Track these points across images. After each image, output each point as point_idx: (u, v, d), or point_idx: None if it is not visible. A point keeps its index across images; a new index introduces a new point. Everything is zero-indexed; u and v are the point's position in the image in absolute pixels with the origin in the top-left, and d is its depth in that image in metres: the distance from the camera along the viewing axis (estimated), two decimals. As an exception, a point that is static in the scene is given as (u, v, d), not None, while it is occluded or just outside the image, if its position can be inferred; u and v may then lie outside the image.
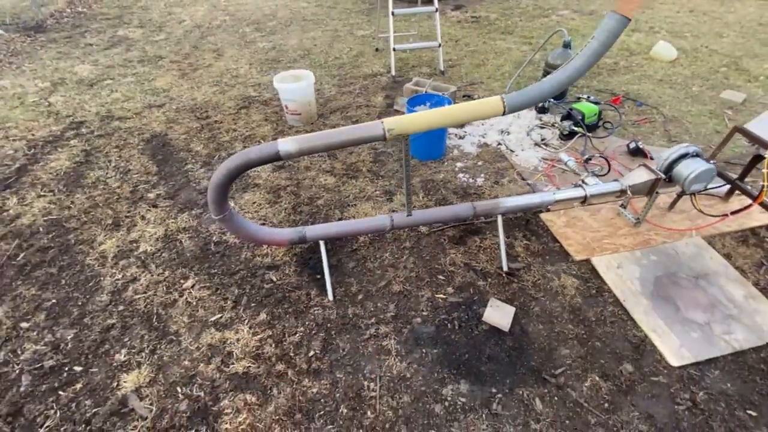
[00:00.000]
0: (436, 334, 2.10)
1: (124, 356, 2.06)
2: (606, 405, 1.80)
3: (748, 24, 6.02)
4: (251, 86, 4.85)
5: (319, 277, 2.43)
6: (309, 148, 1.82)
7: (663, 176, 2.34)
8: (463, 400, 1.83)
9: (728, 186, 2.64)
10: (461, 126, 3.84)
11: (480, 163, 3.37)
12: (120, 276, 2.49)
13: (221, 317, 2.22)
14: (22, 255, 2.66)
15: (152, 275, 2.49)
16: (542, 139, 3.57)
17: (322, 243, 2.33)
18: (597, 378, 1.89)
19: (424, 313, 2.20)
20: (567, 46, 4.01)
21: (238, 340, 2.10)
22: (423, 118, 1.84)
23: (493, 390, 1.86)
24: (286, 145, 1.80)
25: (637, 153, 3.30)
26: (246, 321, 2.20)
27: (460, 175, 3.23)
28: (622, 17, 1.76)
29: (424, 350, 2.03)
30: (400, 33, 4.96)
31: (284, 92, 3.76)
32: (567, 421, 1.75)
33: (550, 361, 1.97)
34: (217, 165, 3.47)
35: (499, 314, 2.15)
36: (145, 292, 2.38)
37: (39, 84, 5.01)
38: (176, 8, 8.04)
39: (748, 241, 2.55)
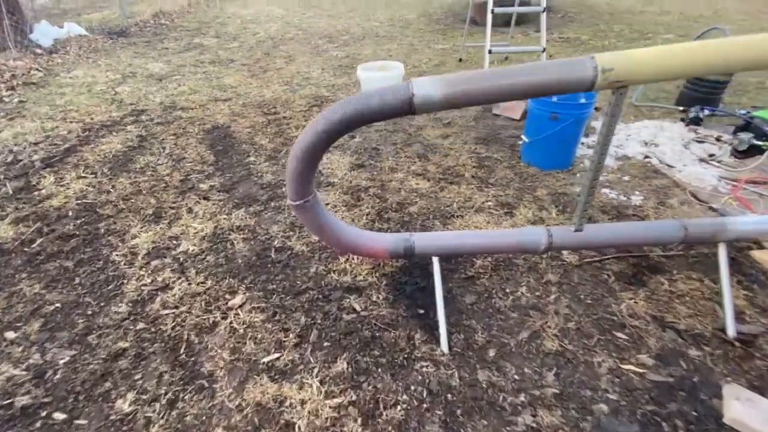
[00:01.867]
0: (643, 439, 1.19)
1: (129, 405, 1.32)
2: None
3: None
4: (324, 87, 4.36)
5: (422, 312, 1.62)
6: (464, 95, 1.08)
7: None
8: None
9: None
10: (587, 134, 3.01)
11: (626, 178, 2.49)
12: (149, 280, 1.83)
13: (279, 358, 1.46)
14: (39, 241, 2.10)
15: (190, 284, 1.80)
16: (710, 155, 2.64)
17: (436, 261, 1.53)
18: None
19: (612, 397, 1.30)
20: (728, 45, 3.12)
21: (302, 402, 1.31)
22: (675, 54, 1.04)
23: None
24: (427, 86, 1.08)
25: None
26: (316, 370, 1.41)
27: (605, 190, 2.36)
28: None
29: (630, 470, 1.12)
30: (497, 48, 4.35)
31: (369, 83, 3.17)
32: None
33: None
34: (283, 160, 2.86)
35: (753, 414, 1.20)
36: (176, 307, 1.69)
37: (110, 75, 4.85)
38: (251, 24, 8.11)
39: None
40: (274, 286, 1.78)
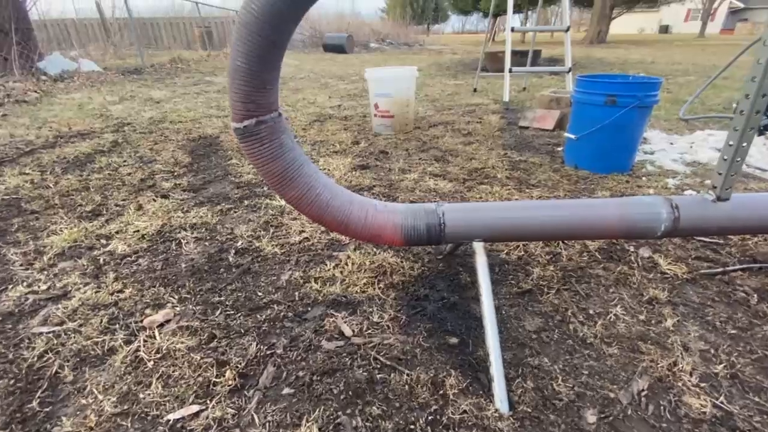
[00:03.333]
0: None
1: None
2: None
3: None
4: (329, 107, 4.02)
5: (454, 342, 0.97)
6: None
7: None
8: None
9: None
10: (643, 140, 2.48)
11: (708, 181, 1.90)
12: (44, 286, 1.22)
13: (198, 414, 0.80)
14: None
15: (98, 292, 1.19)
16: (812, 159, 2.07)
17: (480, 248, 0.91)
18: None
19: None
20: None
21: None
22: None
23: None
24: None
25: None
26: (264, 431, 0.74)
27: (689, 192, 1.77)
28: None
29: None
30: (518, 68, 4.04)
31: (377, 84, 2.76)
32: None
33: None
34: (271, 162, 2.35)
35: None
36: (61, 324, 1.06)
37: (108, 98, 4.62)
38: (265, 67, 8.18)
39: None
40: (222, 298, 1.15)
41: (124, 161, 2.42)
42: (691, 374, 0.87)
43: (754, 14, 29.91)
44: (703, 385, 0.85)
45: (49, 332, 1.04)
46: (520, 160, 2.25)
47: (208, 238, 1.51)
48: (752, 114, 0.83)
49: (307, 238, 1.47)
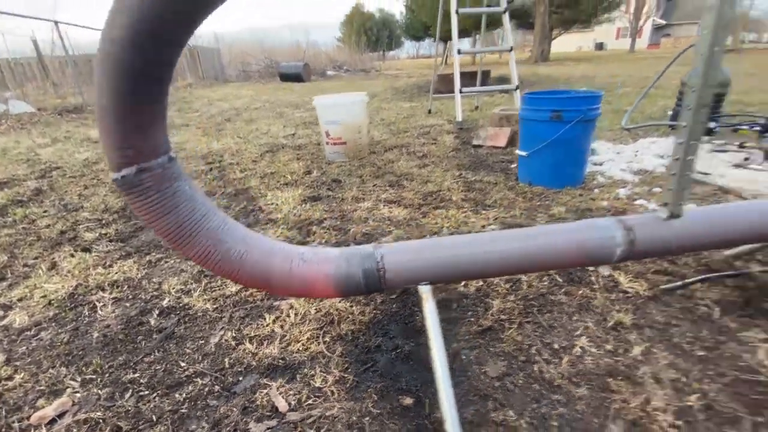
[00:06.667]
0: None
1: None
2: None
3: None
4: (282, 137, 3.89)
5: (409, 403, 0.84)
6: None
7: None
8: None
9: None
10: (592, 152, 2.52)
11: (657, 189, 1.92)
12: None
13: None
14: None
15: (-24, 384, 0.97)
16: (745, 159, 2.16)
17: (427, 293, 0.80)
18: None
19: None
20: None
21: None
22: None
23: None
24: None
25: None
26: None
27: (640, 201, 1.77)
28: None
29: None
30: (468, 89, 4.13)
31: (326, 111, 2.68)
32: None
33: None
34: (217, 200, 2.18)
35: None
36: None
37: (38, 140, 4.26)
38: (218, 101, 8.01)
39: None
40: (136, 375, 0.97)
41: (45, 211, 2.16)
42: (665, 411, 0.79)
43: (676, 30, 33.24)
44: (678, 423, 0.77)
45: None
46: (476, 180, 2.21)
47: (129, 297, 1.31)
48: (696, 126, 0.79)
49: (245, 287, 1.31)
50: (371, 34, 31.81)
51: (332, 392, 0.87)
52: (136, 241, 1.76)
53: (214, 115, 5.90)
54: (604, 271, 1.26)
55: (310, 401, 0.85)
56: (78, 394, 0.92)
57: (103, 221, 2.01)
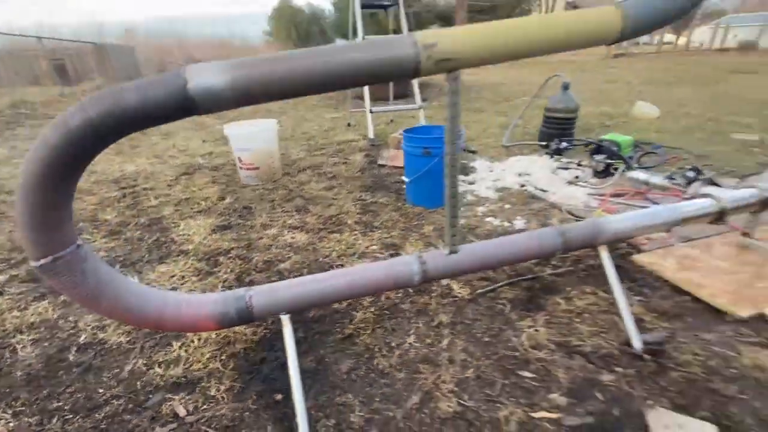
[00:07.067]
0: None
1: None
2: None
3: (700, 99, 6.24)
4: (199, 156, 3.98)
5: (279, 399, 1.18)
6: (258, 82, 0.83)
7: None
8: None
9: None
10: (467, 173, 3.04)
11: (507, 206, 2.46)
12: None
13: None
14: None
15: None
16: (576, 177, 2.80)
17: (286, 320, 1.14)
18: None
19: (527, 462, 0.97)
20: (566, 87, 3.59)
21: None
22: (498, 29, 0.94)
23: None
24: (205, 73, 0.80)
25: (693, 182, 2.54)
26: None
27: (489, 219, 2.27)
28: None
29: None
30: (377, 108, 4.54)
31: (237, 140, 2.89)
32: None
33: None
34: (129, 233, 2.33)
35: (686, 445, 0.96)
36: None
37: None
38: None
39: None
40: (60, 404, 1.19)
41: (-58, 254, 2.15)
42: (449, 382, 1.21)
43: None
44: (456, 389, 1.19)
45: None
46: (372, 202, 2.59)
47: (47, 337, 1.49)
48: (453, 190, 1.19)
49: (157, 318, 1.55)
50: (301, 29, 31.25)
51: (222, 398, 1.18)
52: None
53: (128, 127, 5.68)
54: (444, 281, 1.70)
55: (204, 407, 1.15)
56: (11, 424, 1.13)
57: (12, 261, 2.07)
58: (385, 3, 4.55)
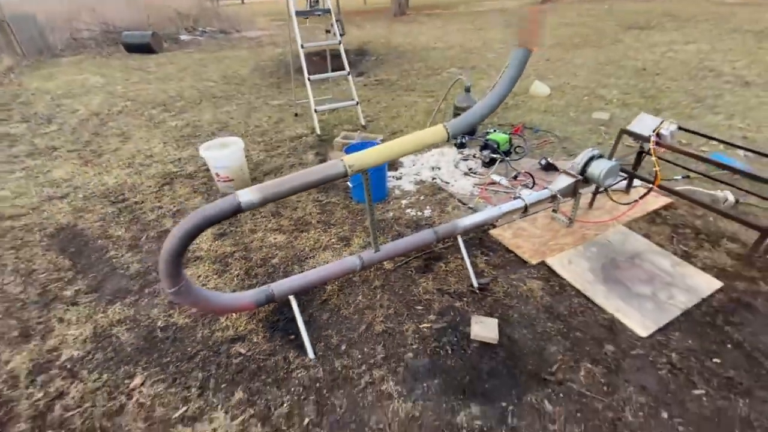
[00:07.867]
0: (432, 365, 2.03)
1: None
2: (605, 388, 1.87)
3: (592, 65, 7.58)
4: (170, 163, 4.59)
5: (293, 337, 2.23)
6: (274, 195, 1.77)
7: (580, 177, 2.72)
8: (479, 422, 1.75)
9: (626, 181, 3.16)
10: (396, 168, 4.06)
11: (422, 197, 3.55)
12: (41, 395, 2.00)
13: (187, 410, 1.88)
14: None
15: (86, 384, 2.04)
16: (469, 169, 3.93)
17: (292, 298, 2.17)
18: (588, 365, 1.98)
19: (414, 347, 2.13)
20: (468, 90, 4.62)
21: (215, 430, 1.78)
22: (379, 152, 1.93)
23: (504, 404, 1.83)
24: (248, 195, 1.72)
25: (548, 168, 3.80)
26: (219, 406, 1.89)
27: (408, 210, 3.36)
28: (525, 50, 2.13)
29: (425, 384, 1.94)
30: (317, 98, 5.27)
31: (213, 160, 3.64)
32: (578, 414, 1.77)
33: (543, 361, 2.01)
34: (146, 246, 3.12)
35: (484, 329, 2.17)
36: (79, 406, 1.93)
37: None
38: (66, 99, 7.44)
39: (656, 221, 3.02)
40: (168, 359, 2.16)
41: (3, 280, 2.84)
42: (381, 317, 2.33)
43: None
44: (384, 320, 2.32)
45: (74, 413, 1.91)
46: (327, 202, 3.56)
47: (135, 326, 2.38)
48: (371, 212, 2.23)
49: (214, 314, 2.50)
50: None
51: (261, 342, 2.21)
52: (105, 289, 2.70)
53: (76, 129, 5.88)
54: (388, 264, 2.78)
55: (253, 347, 2.18)
56: (145, 373, 2.08)
57: (66, 279, 2.83)
58: (317, 12, 5.13)
